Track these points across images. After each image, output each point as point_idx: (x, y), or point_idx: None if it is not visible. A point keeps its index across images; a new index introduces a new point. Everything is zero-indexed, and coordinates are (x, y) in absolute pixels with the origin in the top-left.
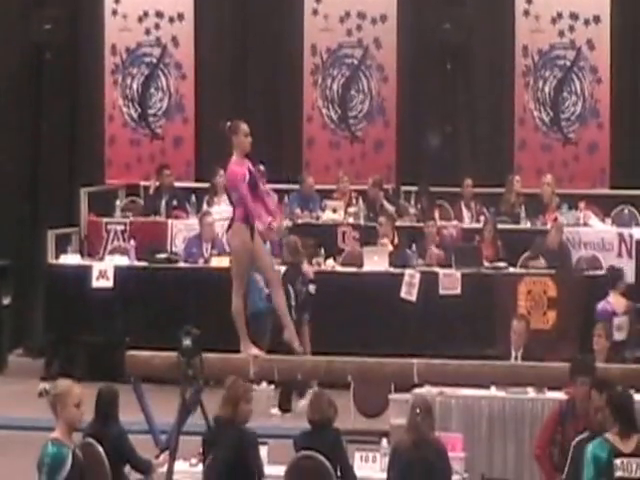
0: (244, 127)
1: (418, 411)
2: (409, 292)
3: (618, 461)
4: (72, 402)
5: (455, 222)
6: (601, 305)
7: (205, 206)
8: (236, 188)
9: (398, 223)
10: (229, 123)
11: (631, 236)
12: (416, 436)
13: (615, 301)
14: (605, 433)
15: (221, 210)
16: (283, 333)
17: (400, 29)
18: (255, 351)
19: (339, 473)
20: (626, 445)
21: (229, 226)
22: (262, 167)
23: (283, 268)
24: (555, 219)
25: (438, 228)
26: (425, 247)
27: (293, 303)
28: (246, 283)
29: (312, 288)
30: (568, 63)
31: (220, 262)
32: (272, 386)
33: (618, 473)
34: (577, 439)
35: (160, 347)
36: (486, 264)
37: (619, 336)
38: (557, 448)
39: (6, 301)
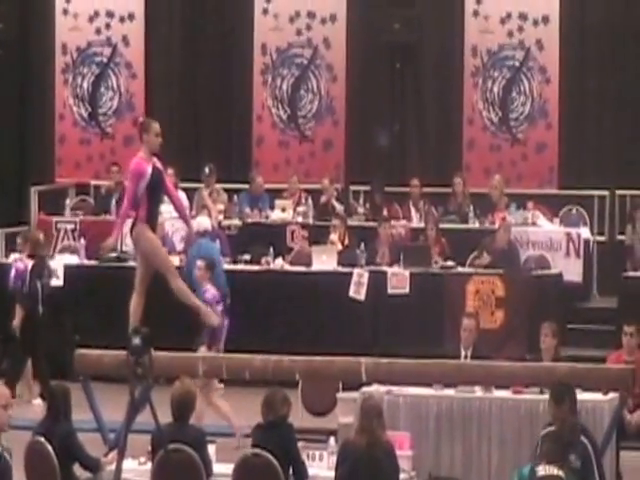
0: (156, 126)
1: (372, 413)
2: (358, 291)
3: None
4: None
5: (404, 222)
6: None
7: None
8: (129, 181)
9: (347, 223)
10: (141, 119)
11: (579, 236)
12: (370, 438)
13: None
14: None
15: (171, 209)
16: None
17: (349, 29)
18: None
19: (291, 470)
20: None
21: (133, 225)
22: (171, 170)
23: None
24: (503, 218)
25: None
26: (377, 247)
27: (40, 297)
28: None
29: (53, 281)
30: (517, 63)
31: None
32: (222, 384)
33: None
34: (544, 431)
35: (109, 346)
36: (434, 263)
37: None
38: None
39: None
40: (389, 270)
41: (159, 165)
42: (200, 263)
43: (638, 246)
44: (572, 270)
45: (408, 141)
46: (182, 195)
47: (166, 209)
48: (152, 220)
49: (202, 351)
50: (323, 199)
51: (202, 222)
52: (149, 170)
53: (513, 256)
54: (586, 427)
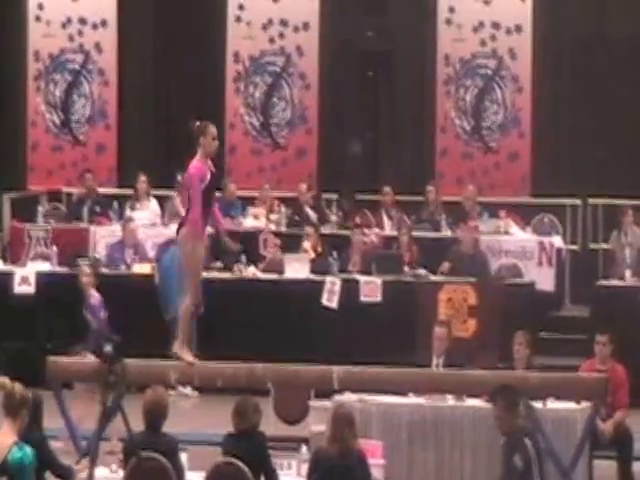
0: (213, 129)
1: (343, 423)
2: (330, 299)
3: None
4: None
5: (376, 230)
6: None
7: (128, 212)
8: (191, 186)
9: (320, 231)
10: (198, 123)
11: (551, 244)
12: (341, 447)
13: None
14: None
15: (143, 216)
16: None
17: (322, 37)
18: (190, 358)
19: (263, 478)
20: None
21: (180, 225)
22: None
23: None
24: (476, 227)
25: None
26: (350, 255)
27: None
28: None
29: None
30: (490, 72)
31: (142, 269)
32: (196, 392)
33: None
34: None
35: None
36: (407, 271)
37: None
38: None
39: None
40: (361, 278)
41: (214, 169)
42: (86, 268)
43: (621, 253)
44: (544, 279)
45: (381, 149)
46: (155, 203)
47: (139, 216)
48: (198, 226)
49: (85, 357)
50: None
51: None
52: (208, 175)
53: (481, 261)
54: (532, 429)
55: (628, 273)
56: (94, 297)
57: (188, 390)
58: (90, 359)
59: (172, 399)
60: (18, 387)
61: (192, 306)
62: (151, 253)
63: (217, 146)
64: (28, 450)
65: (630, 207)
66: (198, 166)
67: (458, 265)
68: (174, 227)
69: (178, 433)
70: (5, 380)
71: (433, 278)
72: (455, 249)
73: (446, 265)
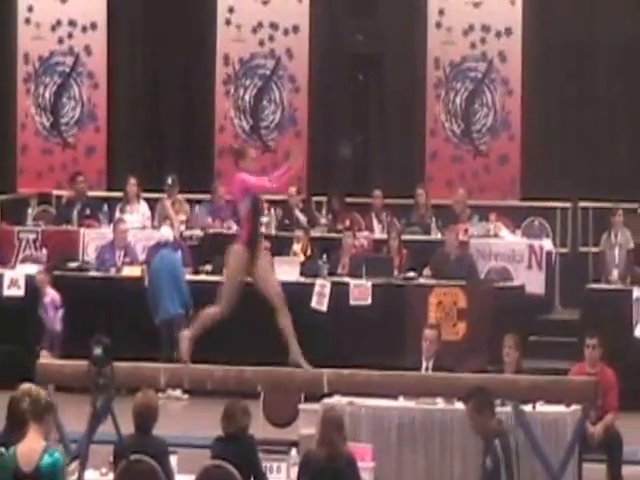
0: (251, 152)
1: (332, 425)
2: (320, 302)
3: None
4: None
5: (366, 233)
6: None
7: (117, 214)
8: (243, 185)
9: (310, 233)
10: (235, 146)
11: (541, 248)
12: (330, 450)
13: None
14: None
15: (133, 219)
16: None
17: (312, 40)
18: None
19: None
20: None
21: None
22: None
23: None
24: (466, 230)
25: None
26: (339, 257)
27: None
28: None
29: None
30: (479, 75)
31: (132, 271)
32: (186, 395)
33: None
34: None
35: (71, 356)
36: (397, 274)
37: None
38: None
39: None
40: (351, 281)
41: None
42: (39, 267)
43: (611, 252)
44: (534, 282)
45: (371, 152)
46: (144, 205)
47: (129, 219)
48: (252, 244)
49: (44, 355)
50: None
51: (165, 232)
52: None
53: (468, 262)
54: (503, 430)
55: (615, 272)
56: (49, 295)
57: (178, 393)
58: (47, 357)
59: (162, 402)
60: (43, 393)
61: (218, 315)
62: (141, 256)
63: (255, 167)
64: (57, 454)
65: (620, 207)
66: (240, 176)
67: (444, 267)
68: (164, 230)
69: (168, 436)
70: (31, 386)
71: (423, 281)
72: (440, 251)
73: (428, 271)
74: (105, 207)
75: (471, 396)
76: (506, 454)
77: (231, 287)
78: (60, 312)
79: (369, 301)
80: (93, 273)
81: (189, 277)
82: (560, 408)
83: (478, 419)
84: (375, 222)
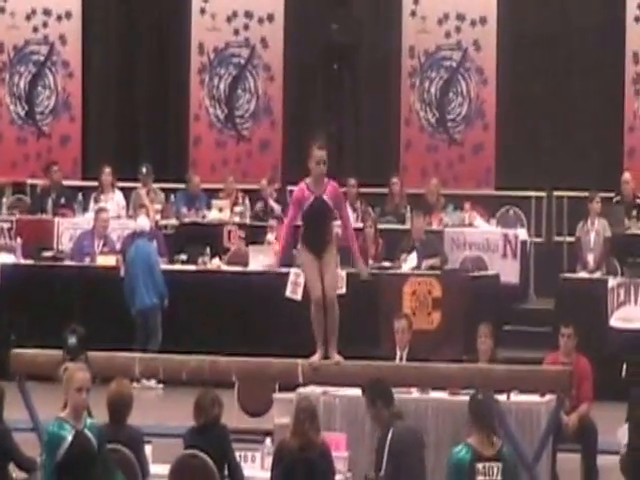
0: (317, 153)
1: (304, 415)
2: (294, 291)
3: (480, 465)
4: (73, 386)
5: (340, 222)
6: None
7: (92, 204)
8: (290, 208)
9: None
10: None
11: (516, 237)
12: (303, 440)
13: None
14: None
15: (108, 208)
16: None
17: (287, 29)
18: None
19: (227, 470)
20: (487, 449)
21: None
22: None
23: None
24: (440, 220)
25: None
26: None
27: None
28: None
29: None
30: (454, 64)
31: (106, 261)
32: (161, 385)
33: (479, 477)
34: None
35: (45, 345)
36: (371, 263)
37: None
38: None
39: None
40: None
41: (326, 194)
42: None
43: (586, 238)
44: (509, 271)
45: (345, 141)
46: (119, 195)
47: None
48: (310, 244)
49: None
50: (259, 205)
51: (141, 222)
52: (311, 198)
53: (433, 244)
54: (395, 422)
55: (591, 257)
56: None
57: (152, 383)
58: None
59: (136, 392)
60: None
61: (316, 305)
62: (117, 245)
63: (321, 170)
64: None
65: (598, 195)
66: (300, 188)
67: (417, 252)
68: (141, 220)
69: (143, 425)
70: None
71: (398, 271)
72: (407, 238)
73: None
74: (80, 196)
75: (366, 388)
76: (394, 445)
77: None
78: None
79: (344, 290)
80: (68, 262)
81: (164, 267)
82: (534, 398)
83: (372, 410)
84: (350, 211)
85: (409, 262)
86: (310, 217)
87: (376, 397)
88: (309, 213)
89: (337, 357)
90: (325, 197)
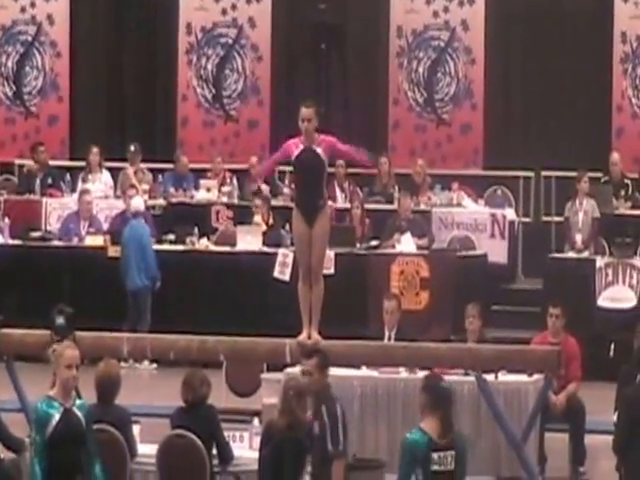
0: (302, 111)
1: (291, 394)
2: (282, 272)
3: (435, 455)
4: (63, 363)
5: (329, 202)
6: None
7: (80, 184)
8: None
9: (272, 203)
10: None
11: (504, 217)
12: (290, 419)
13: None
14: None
15: (95, 188)
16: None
17: (275, 9)
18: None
19: (215, 450)
20: (441, 436)
21: None
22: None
23: None
24: (428, 200)
25: None
26: None
27: None
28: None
29: None
30: (442, 44)
31: (95, 241)
32: (154, 364)
33: (434, 467)
34: None
35: (33, 325)
36: (359, 244)
37: None
38: None
39: None
40: None
41: (321, 147)
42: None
43: (574, 218)
44: (497, 251)
45: (333, 121)
46: (107, 175)
47: (92, 188)
48: (302, 206)
49: None
50: (253, 185)
51: (136, 203)
52: (296, 152)
53: (419, 223)
54: (327, 396)
55: (579, 237)
56: None
57: (145, 364)
58: None
59: (125, 372)
60: None
61: (303, 285)
62: (105, 225)
63: (307, 127)
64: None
65: (586, 175)
66: (289, 143)
67: (396, 231)
68: (135, 200)
69: (130, 405)
70: None
71: (385, 250)
72: (394, 217)
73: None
74: (68, 176)
75: (314, 353)
76: (331, 420)
77: (299, 254)
78: None
79: (332, 270)
80: (56, 242)
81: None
82: (522, 378)
83: (317, 377)
84: (338, 191)
85: (404, 242)
86: (301, 168)
87: (323, 366)
88: (300, 163)
89: (316, 337)
90: (317, 149)
